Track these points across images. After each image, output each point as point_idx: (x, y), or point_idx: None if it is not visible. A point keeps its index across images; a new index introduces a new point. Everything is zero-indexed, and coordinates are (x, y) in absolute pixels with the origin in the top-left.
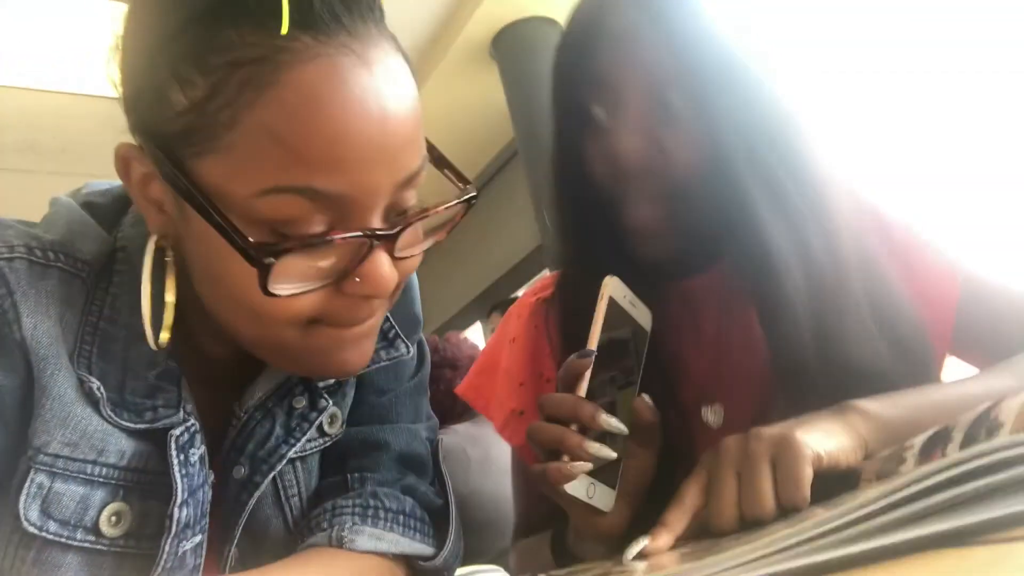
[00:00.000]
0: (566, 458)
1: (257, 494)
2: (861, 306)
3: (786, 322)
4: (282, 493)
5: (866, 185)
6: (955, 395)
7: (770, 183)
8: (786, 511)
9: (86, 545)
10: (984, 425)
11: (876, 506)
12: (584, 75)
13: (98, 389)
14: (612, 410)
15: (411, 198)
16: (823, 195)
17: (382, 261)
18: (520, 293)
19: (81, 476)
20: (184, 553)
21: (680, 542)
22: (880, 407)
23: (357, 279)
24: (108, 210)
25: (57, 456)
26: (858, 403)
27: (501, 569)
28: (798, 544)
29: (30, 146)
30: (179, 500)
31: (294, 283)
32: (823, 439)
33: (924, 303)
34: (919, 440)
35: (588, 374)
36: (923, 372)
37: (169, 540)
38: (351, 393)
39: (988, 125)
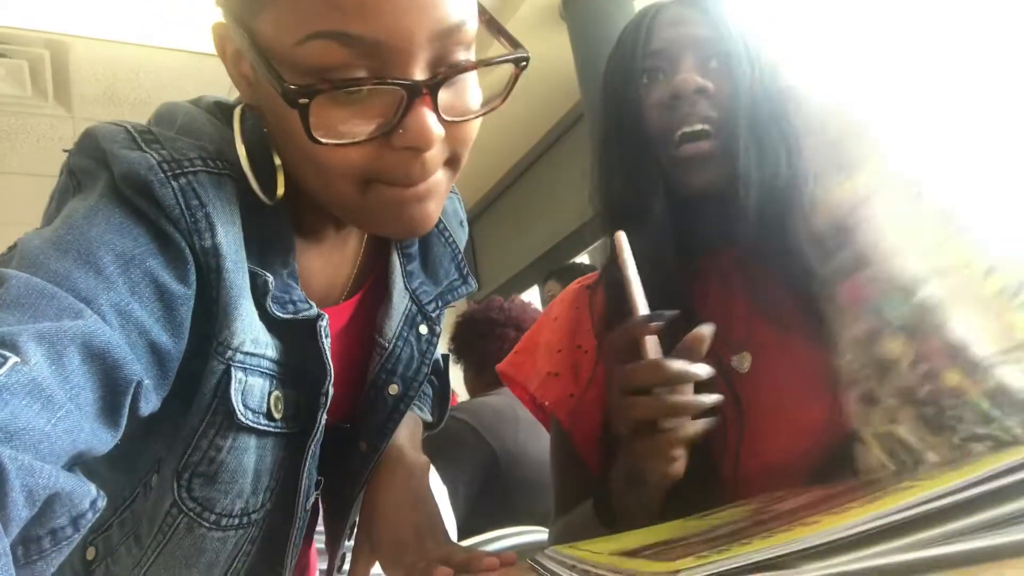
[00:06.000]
0: (669, 423)
1: (412, 404)
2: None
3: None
4: None
5: None
6: None
7: (759, 132)
8: None
9: (262, 428)
10: None
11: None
12: (645, 48)
13: (270, 283)
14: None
15: (459, 55)
16: (797, 146)
17: (425, 112)
18: (579, 259)
19: (258, 369)
20: (323, 425)
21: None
22: None
23: (402, 131)
24: (231, 117)
25: (247, 353)
26: None
27: (546, 531)
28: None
29: (109, 98)
30: (331, 380)
31: (340, 134)
32: None
33: None
34: None
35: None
36: None
37: (322, 413)
38: (443, 316)
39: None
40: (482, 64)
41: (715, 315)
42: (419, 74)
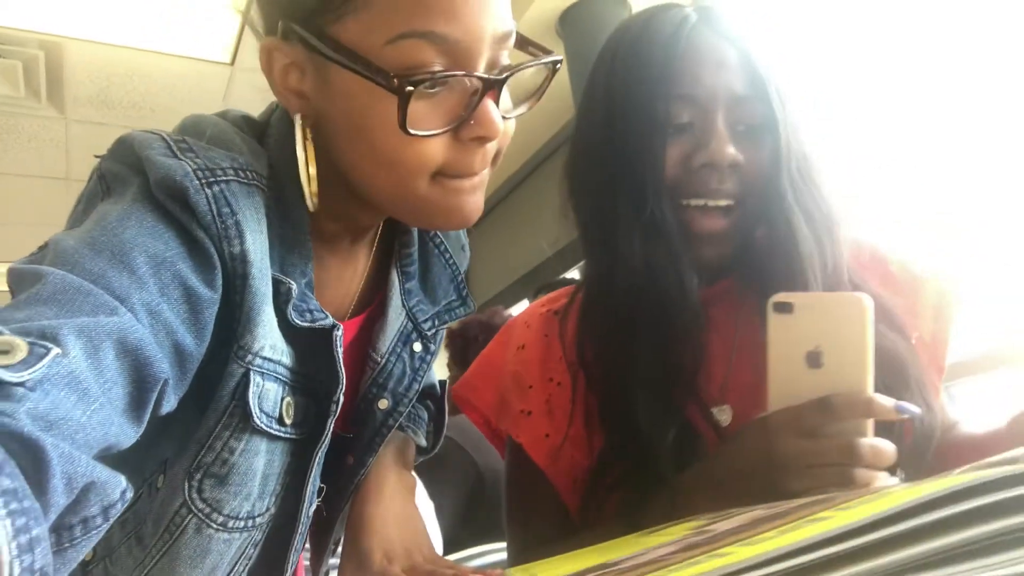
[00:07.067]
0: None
1: (400, 420)
2: None
3: None
4: None
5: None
6: None
7: (801, 198)
8: None
9: (274, 432)
10: None
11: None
12: (672, 89)
13: (293, 291)
14: None
15: (505, 58)
16: (832, 212)
17: (493, 106)
18: (568, 276)
19: (274, 375)
20: (330, 433)
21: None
22: None
23: (472, 122)
24: (256, 131)
25: (266, 358)
26: None
27: None
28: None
29: (102, 100)
30: (342, 388)
31: (424, 127)
32: None
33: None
34: None
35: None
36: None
37: (331, 421)
38: (441, 335)
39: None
40: (532, 64)
41: (702, 357)
42: (483, 72)
